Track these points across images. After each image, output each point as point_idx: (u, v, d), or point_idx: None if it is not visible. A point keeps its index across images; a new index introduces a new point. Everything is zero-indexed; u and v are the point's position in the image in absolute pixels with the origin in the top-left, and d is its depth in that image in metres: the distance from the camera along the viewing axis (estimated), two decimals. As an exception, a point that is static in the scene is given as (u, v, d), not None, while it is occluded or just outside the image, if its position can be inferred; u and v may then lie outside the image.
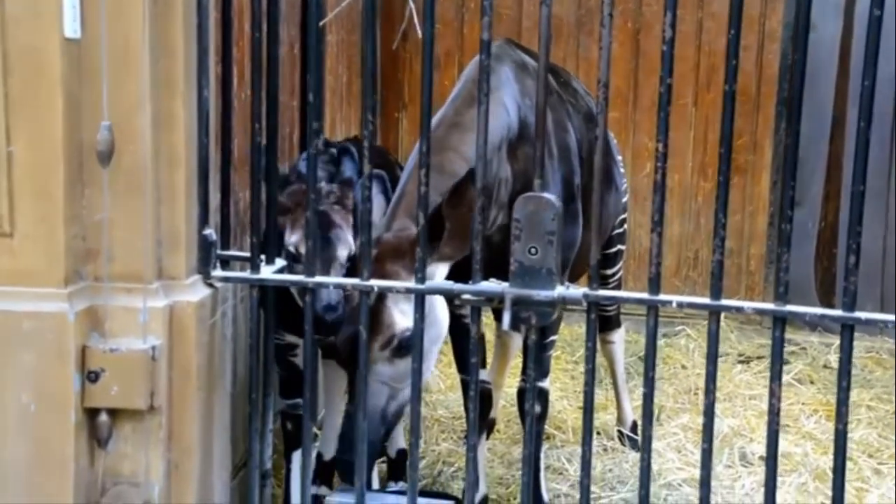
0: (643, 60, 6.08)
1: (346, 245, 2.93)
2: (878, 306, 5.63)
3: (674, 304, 2.25)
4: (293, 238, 2.92)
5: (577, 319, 5.12)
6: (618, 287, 4.42)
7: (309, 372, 2.43)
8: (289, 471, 3.39)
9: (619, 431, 4.48)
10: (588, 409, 2.33)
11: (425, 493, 2.75)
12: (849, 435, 4.44)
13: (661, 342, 5.82)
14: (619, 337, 4.54)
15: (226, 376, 2.51)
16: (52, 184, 2.19)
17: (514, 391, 4.09)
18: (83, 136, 2.22)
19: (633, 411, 4.48)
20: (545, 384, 3.37)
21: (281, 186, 2.87)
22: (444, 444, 4.33)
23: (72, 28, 2.17)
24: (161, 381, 2.27)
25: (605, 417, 4.63)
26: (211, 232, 2.39)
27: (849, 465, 4.20)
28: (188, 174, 2.33)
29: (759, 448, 4.20)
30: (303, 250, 2.74)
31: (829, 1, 5.82)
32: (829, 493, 2.32)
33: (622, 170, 4.22)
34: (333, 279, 2.45)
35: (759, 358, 5.52)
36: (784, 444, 4.36)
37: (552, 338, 3.36)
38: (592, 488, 3.94)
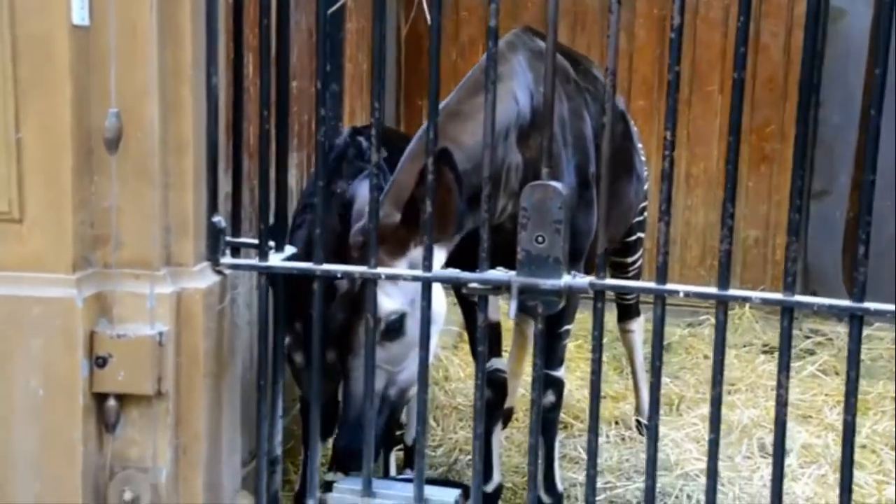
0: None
1: None
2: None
3: (680, 294, 2.24)
4: None
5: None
6: (638, 275, 4.40)
7: (316, 360, 2.43)
8: (307, 457, 3.40)
9: (637, 421, 4.46)
10: (594, 398, 2.32)
11: (434, 481, 2.74)
12: (873, 427, 4.47)
13: (685, 331, 5.80)
14: (638, 326, 4.52)
15: (236, 362, 2.51)
16: (61, 170, 2.19)
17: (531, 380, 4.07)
18: (91, 122, 2.22)
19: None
20: (560, 373, 3.35)
21: (338, 206, 2.86)
22: (461, 433, 4.33)
23: (80, 15, 2.17)
24: (168, 366, 2.28)
25: (624, 407, 4.62)
26: (220, 219, 2.39)
27: (871, 456, 4.21)
28: (197, 161, 2.33)
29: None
30: None
31: (860, -12, 5.76)
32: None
33: (643, 158, 4.18)
34: (341, 267, 2.44)
35: (783, 348, 5.48)
36: (805, 436, 4.33)
37: (567, 327, 3.34)
38: (609, 477, 3.97)
